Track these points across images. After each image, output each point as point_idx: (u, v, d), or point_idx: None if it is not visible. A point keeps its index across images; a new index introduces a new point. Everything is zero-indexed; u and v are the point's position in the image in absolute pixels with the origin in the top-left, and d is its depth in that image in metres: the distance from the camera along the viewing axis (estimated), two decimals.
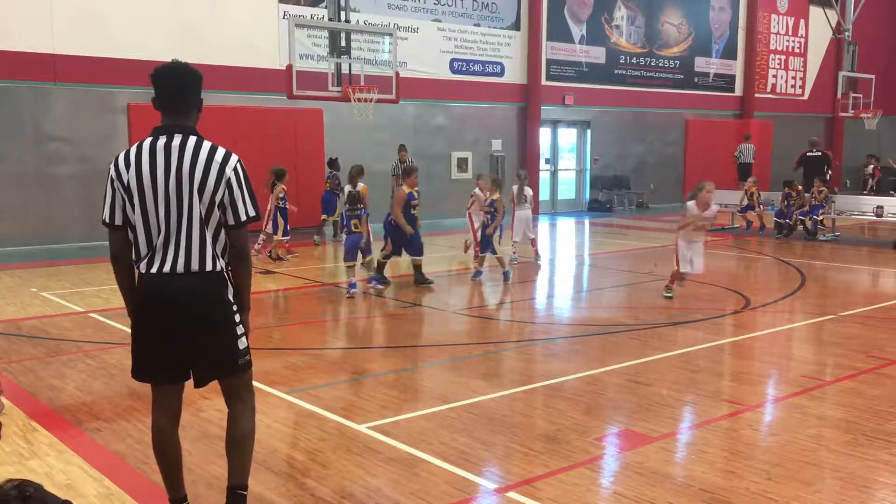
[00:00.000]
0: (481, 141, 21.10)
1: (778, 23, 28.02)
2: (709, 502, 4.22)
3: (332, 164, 16.01)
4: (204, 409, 5.72)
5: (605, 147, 23.95)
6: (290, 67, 13.92)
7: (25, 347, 7.64)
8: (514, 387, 6.35)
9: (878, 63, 28.86)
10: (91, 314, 9.12)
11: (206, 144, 3.63)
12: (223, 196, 3.60)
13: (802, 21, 28.71)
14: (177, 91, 3.73)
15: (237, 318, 3.74)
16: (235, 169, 3.63)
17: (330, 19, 15.33)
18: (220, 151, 3.64)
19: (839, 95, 25.70)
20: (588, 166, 23.86)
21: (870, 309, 9.15)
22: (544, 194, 22.73)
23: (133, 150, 3.65)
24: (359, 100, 14.47)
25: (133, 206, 3.60)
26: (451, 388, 6.37)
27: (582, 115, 23.35)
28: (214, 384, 3.89)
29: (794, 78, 28.90)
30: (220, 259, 3.67)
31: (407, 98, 17.47)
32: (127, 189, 3.60)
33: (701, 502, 4.22)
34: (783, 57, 28.39)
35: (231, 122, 16.56)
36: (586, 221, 20.98)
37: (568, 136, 23.97)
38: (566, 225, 20.40)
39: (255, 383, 6.24)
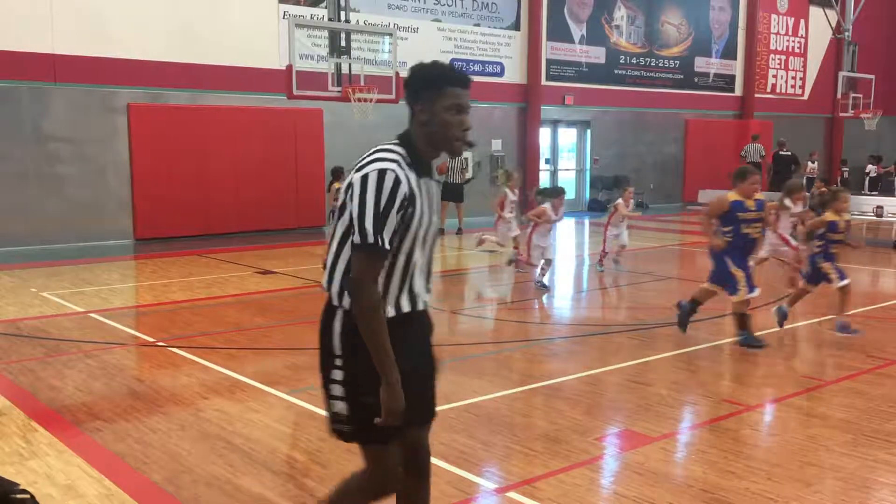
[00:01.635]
0: (481, 141, 21.04)
1: (778, 23, 28.00)
2: (709, 502, 4.22)
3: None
4: (203, 409, 5.73)
5: (605, 147, 23.94)
6: (290, 67, 13.92)
7: (25, 347, 7.64)
8: (514, 387, 6.34)
9: (878, 63, 28.83)
10: (91, 314, 9.11)
11: (372, 150, 3.02)
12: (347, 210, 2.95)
13: (802, 21, 28.70)
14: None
15: (336, 373, 2.95)
16: (363, 178, 2.85)
17: (330, 19, 15.32)
18: (367, 157, 2.95)
19: (839, 95, 25.73)
20: (588, 166, 23.85)
21: (870, 309, 9.15)
22: None
23: None
24: (359, 100, 14.45)
25: None
26: (451, 389, 6.36)
27: (582, 115, 23.34)
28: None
29: (794, 78, 28.88)
30: (342, 293, 2.95)
31: None
32: None
33: (701, 502, 4.22)
34: (783, 57, 28.38)
35: (231, 122, 16.56)
36: (586, 221, 20.97)
37: (568, 136, 23.96)
38: (566, 225, 20.40)
39: (254, 383, 6.30)
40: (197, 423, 5.47)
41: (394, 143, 3.01)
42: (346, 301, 2.91)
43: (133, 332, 8.38)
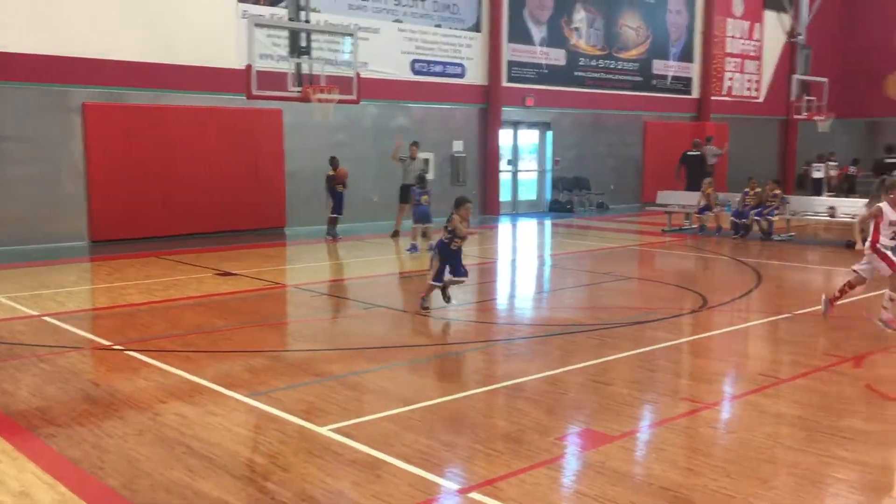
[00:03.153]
0: (442, 142, 21.10)
1: (733, 26, 28.47)
2: (668, 500, 4.26)
3: (332, 161, 16.55)
4: (161, 412, 5.64)
5: (566, 148, 24.10)
6: (249, 67, 13.79)
7: None
8: (475, 387, 6.35)
9: (831, 67, 29.45)
10: (45, 317, 8.93)
11: None
12: None
13: (757, 25, 29.19)
14: None
15: None
16: None
17: (290, 19, 15.22)
18: None
19: (793, 98, 26.21)
20: (549, 167, 24.00)
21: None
22: (505, 195, 22.82)
23: None
24: (319, 100, 14.37)
25: None
26: (413, 390, 6.35)
27: (542, 116, 23.47)
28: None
29: (749, 81, 29.35)
30: None
31: (368, 99, 17.40)
32: None
33: (661, 500, 4.26)
34: (739, 60, 28.83)
35: (189, 122, 16.35)
36: (547, 222, 21.10)
37: (529, 137, 24.09)
38: (527, 226, 20.51)
39: (214, 386, 6.23)
40: (155, 427, 5.39)
41: None
42: None
43: (89, 335, 8.23)
